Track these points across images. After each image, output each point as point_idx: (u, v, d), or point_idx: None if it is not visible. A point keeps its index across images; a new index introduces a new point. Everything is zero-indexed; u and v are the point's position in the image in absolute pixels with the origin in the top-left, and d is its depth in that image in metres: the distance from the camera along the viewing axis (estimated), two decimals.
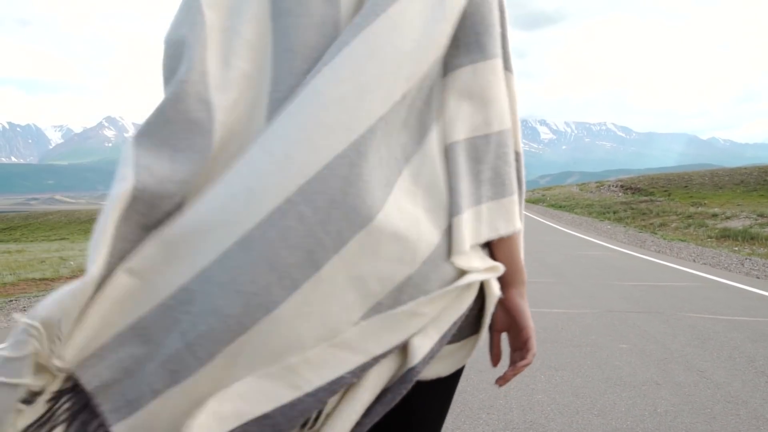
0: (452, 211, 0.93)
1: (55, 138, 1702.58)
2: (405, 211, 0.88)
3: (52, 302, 0.78)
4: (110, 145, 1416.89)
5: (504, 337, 1.09)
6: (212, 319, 0.79)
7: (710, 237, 19.93)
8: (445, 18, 0.89)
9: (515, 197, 0.99)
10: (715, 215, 27.04)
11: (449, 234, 0.93)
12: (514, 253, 1.00)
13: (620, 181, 54.05)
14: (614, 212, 33.71)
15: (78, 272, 12.35)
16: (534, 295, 7.59)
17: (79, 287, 0.78)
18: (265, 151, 0.83)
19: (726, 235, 19.65)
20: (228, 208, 0.81)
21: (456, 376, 1.01)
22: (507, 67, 0.99)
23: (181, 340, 0.80)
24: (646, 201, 39.41)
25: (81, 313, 0.79)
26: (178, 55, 0.89)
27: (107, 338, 0.81)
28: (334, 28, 0.89)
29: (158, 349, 0.80)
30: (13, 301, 8.30)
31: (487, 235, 0.96)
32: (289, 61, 0.88)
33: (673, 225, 25.80)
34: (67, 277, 11.67)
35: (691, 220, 26.03)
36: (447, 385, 1.01)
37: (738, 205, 33.47)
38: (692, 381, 3.95)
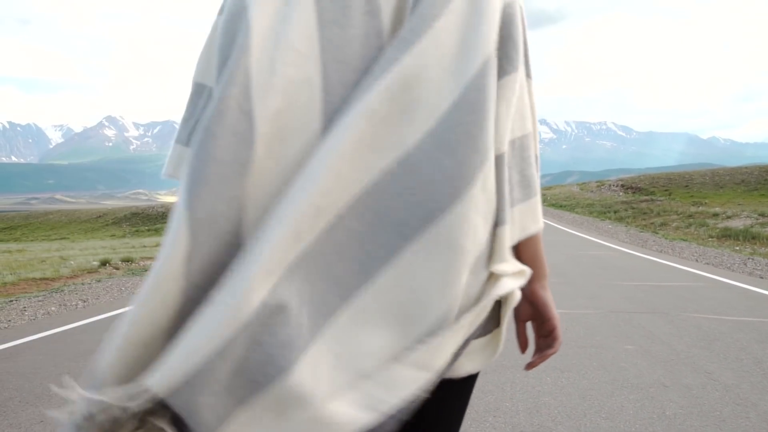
0: (499, 219, 0.96)
1: (56, 137, 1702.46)
2: (469, 221, 0.89)
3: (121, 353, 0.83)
4: (110, 144, 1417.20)
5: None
6: (289, 329, 0.79)
7: (711, 236, 19.89)
8: (489, 25, 0.92)
9: (539, 197, 1.05)
10: (716, 215, 27.01)
11: (493, 241, 0.96)
12: (538, 250, 1.07)
13: (621, 180, 54.01)
14: (615, 212, 33.68)
15: (78, 272, 12.33)
16: None
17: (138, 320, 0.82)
18: (324, 166, 0.83)
19: (727, 235, 19.62)
20: (297, 224, 0.82)
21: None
22: (528, 74, 1.03)
23: (262, 351, 0.79)
24: (646, 200, 39.36)
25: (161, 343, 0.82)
26: (223, 61, 0.92)
27: (195, 363, 0.79)
28: (378, 38, 0.91)
29: (241, 363, 0.79)
30: (14, 301, 8.26)
31: (519, 236, 1.01)
32: (340, 72, 0.89)
33: (674, 224, 25.77)
34: (67, 277, 11.64)
35: (692, 220, 26.00)
36: (472, 380, 1.06)
37: (739, 204, 33.43)
38: (700, 383, 3.91)
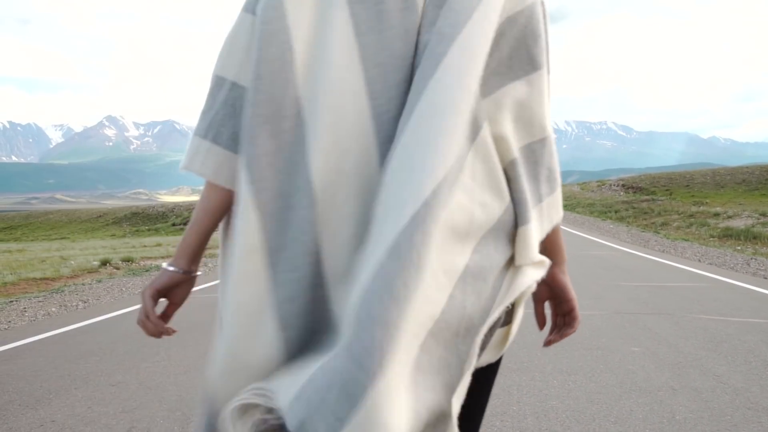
0: (520, 220, 1.02)
1: (56, 137, 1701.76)
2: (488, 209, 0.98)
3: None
4: (111, 144, 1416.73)
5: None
6: (376, 329, 0.80)
7: (712, 236, 19.84)
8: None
9: (560, 189, 1.12)
10: (716, 214, 26.96)
11: (516, 240, 1.02)
12: (558, 237, 1.15)
13: (622, 180, 53.94)
14: (616, 211, 33.64)
15: (78, 272, 12.28)
16: None
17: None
18: (404, 168, 0.87)
19: (728, 235, 19.57)
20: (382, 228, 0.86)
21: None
22: (548, 70, 1.06)
23: (349, 358, 0.81)
24: (647, 200, 39.30)
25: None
26: (266, 75, 0.95)
27: (303, 380, 0.86)
28: (415, 33, 0.94)
29: (335, 376, 0.82)
30: (14, 302, 8.21)
31: (548, 228, 1.08)
32: (383, 74, 0.93)
33: (675, 224, 25.72)
34: (67, 277, 11.59)
35: (692, 220, 25.96)
36: (494, 368, 1.18)
37: (740, 204, 33.38)
38: (709, 386, 3.85)
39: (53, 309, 7.68)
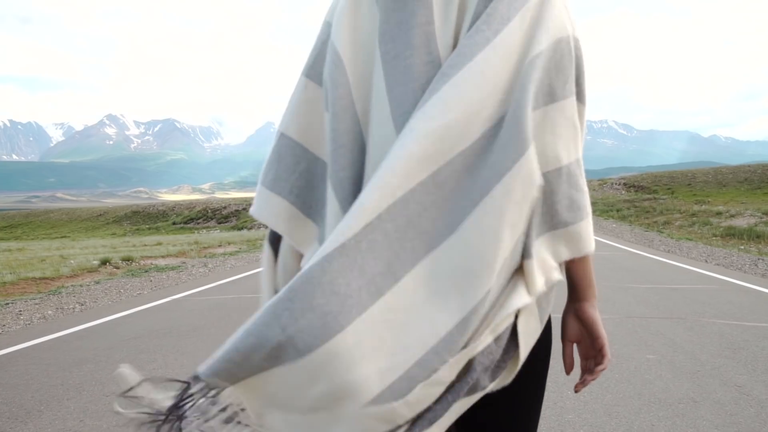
0: (524, 254, 1.01)
1: (56, 136, 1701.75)
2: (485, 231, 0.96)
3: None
4: (111, 142, 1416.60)
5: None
6: (311, 315, 0.88)
7: (715, 235, 19.67)
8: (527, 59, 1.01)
9: (589, 219, 1.08)
10: (719, 213, 26.79)
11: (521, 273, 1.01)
12: (588, 270, 1.12)
13: (623, 179, 53.78)
14: (618, 210, 33.48)
15: (78, 271, 12.11)
16: None
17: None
18: (376, 174, 0.97)
19: (731, 234, 19.40)
20: (344, 222, 0.95)
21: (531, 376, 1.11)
22: (580, 99, 1.08)
23: (282, 333, 0.88)
24: (649, 199, 39.14)
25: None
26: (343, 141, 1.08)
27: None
28: (434, 67, 1.03)
29: (262, 342, 0.89)
30: (10, 304, 8.03)
31: (567, 255, 1.06)
32: (401, 96, 1.03)
33: (677, 223, 25.56)
34: (67, 276, 11.43)
35: (695, 218, 25.79)
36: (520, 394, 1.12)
37: (742, 203, 33.21)
38: (732, 398, 3.68)
39: (49, 312, 7.51)
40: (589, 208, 1.08)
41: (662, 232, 22.13)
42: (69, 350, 5.30)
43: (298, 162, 1.16)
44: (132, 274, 11.67)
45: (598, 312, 1.14)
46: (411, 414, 0.91)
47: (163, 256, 15.89)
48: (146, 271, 12.14)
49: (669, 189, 46.21)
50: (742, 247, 15.49)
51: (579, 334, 1.16)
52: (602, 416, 3.40)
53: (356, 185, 1.06)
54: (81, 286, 10.09)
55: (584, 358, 1.17)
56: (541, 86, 1.01)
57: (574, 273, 1.12)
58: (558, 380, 4.07)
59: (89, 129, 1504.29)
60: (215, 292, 9.01)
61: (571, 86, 1.05)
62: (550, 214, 1.04)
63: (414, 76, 1.02)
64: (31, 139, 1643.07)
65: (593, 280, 1.13)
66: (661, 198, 39.75)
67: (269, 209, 1.16)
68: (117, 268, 12.87)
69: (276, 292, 1.11)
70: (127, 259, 14.07)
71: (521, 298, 0.99)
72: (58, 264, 13.79)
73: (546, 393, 3.31)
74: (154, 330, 6.07)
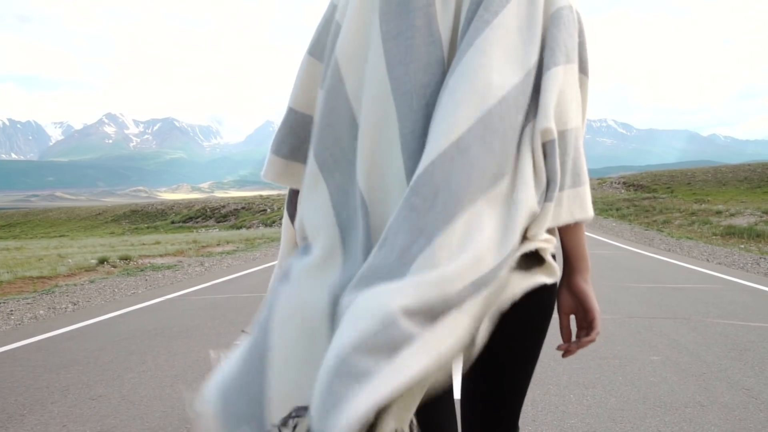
0: (547, 196, 1.03)
1: (55, 134, 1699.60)
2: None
3: None
4: (110, 141, 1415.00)
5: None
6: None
7: (715, 234, 19.55)
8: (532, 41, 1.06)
9: (588, 186, 1.11)
10: (719, 212, 26.68)
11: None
12: (581, 240, 1.15)
13: (623, 178, 53.68)
14: (617, 209, 33.40)
15: (75, 270, 11.97)
16: None
17: None
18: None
19: (731, 233, 19.29)
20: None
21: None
22: (583, 70, 1.13)
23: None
24: (649, 198, 39.03)
25: None
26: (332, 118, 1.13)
27: None
28: (440, 65, 1.06)
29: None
30: (2, 304, 7.89)
31: (565, 220, 1.07)
32: (408, 101, 1.05)
33: (677, 222, 25.45)
34: (64, 275, 11.29)
35: (695, 218, 25.69)
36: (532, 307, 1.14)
37: (742, 202, 33.11)
38: (740, 402, 3.54)
39: (41, 311, 7.37)
40: (587, 176, 1.11)
41: (662, 231, 22.01)
42: (57, 351, 5.16)
43: (307, 132, 1.23)
44: (127, 273, 11.54)
45: (590, 285, 1.18)
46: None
47: (161, 255, 15.76)
48: (142, 270, 12.00)
49: (668, 188, 46.10)
50: (743, 246, 15.36)
51: (573, 306, 1.20)
52: (606, 421, 3.27)
53: (338, 163, 1.13)
54: (75, 285, 9.96)
55: (579, 328, 1.22)
56: (559, 44, 1.06)
57: (568, 243, 1.16)
58: (560, 383, 3.94)
59: (88, 128, 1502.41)
60: (210, 291, 8.87)
61: (575, 53, 1.09)
62: (561, 175, 1.05)
63: (416, 56, 1.06)
64: (30, 138, 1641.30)
65: (586, 252, 1.17)
66: (660, 197, 39.64)
67: (287, 175, 1.28)
68: (114, 267, 12.74)
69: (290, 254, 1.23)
70: (125, 258, 13.93)
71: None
72: (55, 263, 13.66)
73: (548, 397, 3.17)
74: (146, 330, 5.94)
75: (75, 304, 7.90)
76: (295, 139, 1.26)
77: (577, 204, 1.08)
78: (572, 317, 1.21)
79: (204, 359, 4.74)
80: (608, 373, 4.17)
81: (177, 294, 8.58)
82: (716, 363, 4.37)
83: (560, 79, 1.04)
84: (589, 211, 1.10)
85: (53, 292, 9.07)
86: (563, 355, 1.24)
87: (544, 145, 1.03)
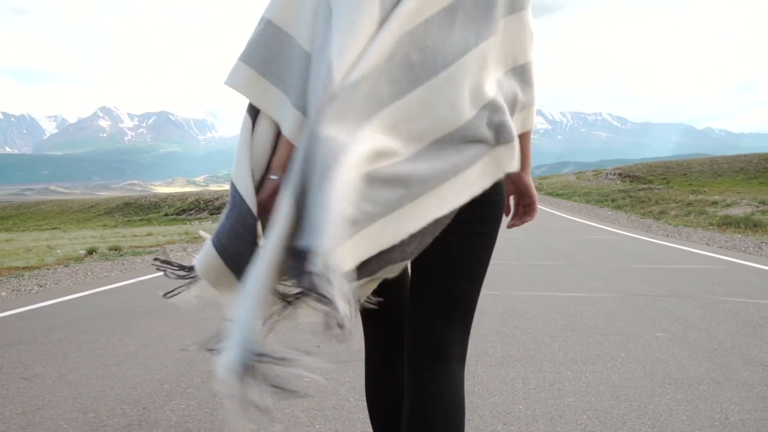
0: (515, 110, 1.32)
1: (50, 128, 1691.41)
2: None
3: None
4: (105, 135, 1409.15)
5: None
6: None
7: (711, 224, 19.17)
8: None
9: (536, 107, 1.38)
10: (715, 203, 26.34)
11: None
12: (528, 146, 1.38)
13: (618, 169, 53.26)
14: (612, 200, 33.03)
15: (64, 260, 11.49)
16: (544, 279, 6.76)
17: None
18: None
19: (728, 223, 18.92)
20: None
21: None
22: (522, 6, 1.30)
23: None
24: (644, 189, 38.64)
25: None
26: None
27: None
28: None
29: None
30: None
31: (528, 127, 1.35)
32: None
33: (673, 212, 25.07)
34: (50, 265, 10.81)
35: (691, 208, 25.34)
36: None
37: (738, 192, 32.76)
38: (760, 378, 3.11)
39: (3, 293, 6.90)
40: (536, 99, 1.36)
41: (659, 220, 21.62)
42: (4, 331, 4.70)
43: (281, 46, 1.27)
44: (105, 258, 11.07)
45: (531, 179, 1.43)
46: None
47: (152, 246, 15.28)
48: (121, 255, 11.53)
49: (664, 179, 45.70)
50: (740, 236, 14.98)
51: (515, 191, 1.46)
52: (608, 399, 2.83)
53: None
54: (48, 269, 9.49)
55: (517, 205, 1.49)
56: None
57: (522, 146, 1.32)
58: (555, 359, 3.51)
59: (83, 121, 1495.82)
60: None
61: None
62: (523, 95, 1.32)
63: None
64: (25, 131, 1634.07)
65: (530, 155, 1.38)
66: (656, 188, 39.23)
67: (249, 87, 1.29)
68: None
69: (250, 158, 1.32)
70: (115, 249, 13.44)
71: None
72: (44, 253, 13.21)
73: (541, 374, 2.70)
74: (109, 310, 5.48)
75: (42, 287, 7.44)
76: (266, 51, 1.27)
77: (532, 117, 1.36)
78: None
79: (161, 338, 4.29)
80: (608, 349, 3.74)
81: (152, 276, 8.12)
82: (729, 339, 3.94)
83: None
84: (534, 122, 1.37)
85: (22, 276, 8.59)
86: (508, 226, 1.53)
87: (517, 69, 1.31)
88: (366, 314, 1.39)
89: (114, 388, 3.15)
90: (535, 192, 1.44)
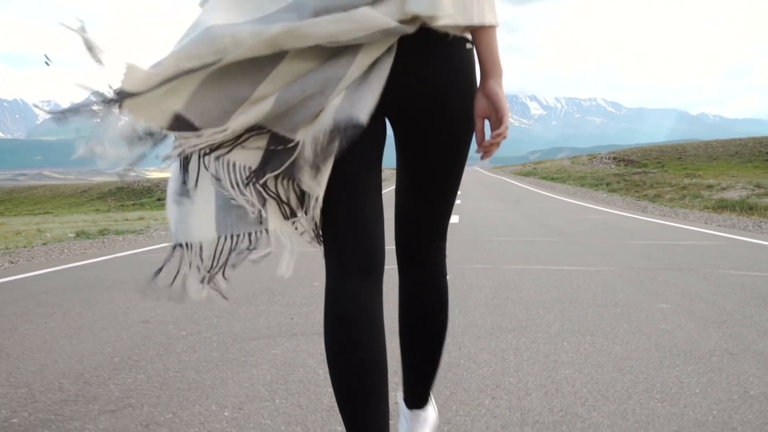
0: None
1: (42, 113, 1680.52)
2: None
3: None
4: (99, 120, 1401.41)
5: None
6: None
7: (707, 207, 18.92)
8: None
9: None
10: (710, 186, 26.13)
11: None
12: (493, 46, 1.26)
13: (613, 153, 52.96)
14: (607, 184, 32.80)
15: (52, 244, 11.10)
16: (539, 253, 6.44)
17: None
18: None
19: (723, 206, 18.68)
20: None
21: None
22: None
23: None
24: (639, 173, 38.38)
25: None
26: None
27: None
28: None
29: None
30: None
31: (477, 21, 1.20)
32: None
33: (668, 196, 24.82)
34: (38, 247, 10.43)
35: (685, 191, 25.13)
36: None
37: (733, 176, 32.52)
38: None
39: None
40: None
41: (654, 202, 21.36)
42: None
43: None
44: (86, 237, 10.71)
45: (502, 89, 1.29)
46: None
47: (144, 230, 14.88)
48: (103, 234, 11.18)
49: (659, 163, 45.40)
50: (737, 217, 14.72)
51: (487, 109, 1.30)
52: (611, 371, 2.51)
53: None
54: (24, 247, 9.14)
55: (492, 130, 1.32)
56: None
57: (481, 49, 1.25)
58: (550, 330, 3.19)
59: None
60: (167, 250, 8.07)
61: None
62: None
63: None
64: (17, 116, 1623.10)
65: (498, 59, 1.27)
66: (651, 172, 38.96)
67: None
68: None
69: None
70: (105, 232, 13.05)
71: None
72: (33, 237, 12.81)
73: (535, 345, 2.33)
74: (75, 285, 5.14)
75: (13, 263, 7.08)
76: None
77: (490, 9, 1.21)
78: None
79: (124, 311, 3.96)
80: (609, 320, 3.42)
81: (130, 252, 7.77)
82: (739, 311, 3.62)
83: None
84: (497, 18, 1.22)
85: None
86: (482, 157, 1.37)
87: None
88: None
89: (58, 361, 2.82)
90: (506, 103, 1.28)
